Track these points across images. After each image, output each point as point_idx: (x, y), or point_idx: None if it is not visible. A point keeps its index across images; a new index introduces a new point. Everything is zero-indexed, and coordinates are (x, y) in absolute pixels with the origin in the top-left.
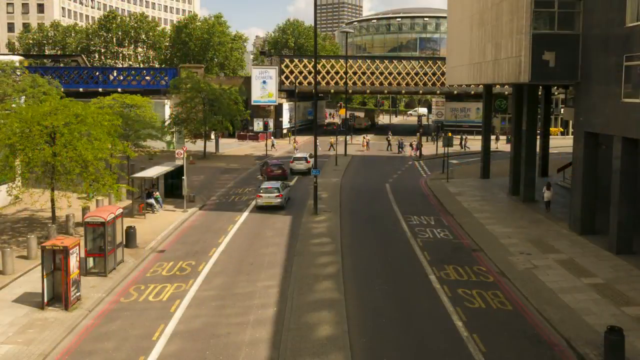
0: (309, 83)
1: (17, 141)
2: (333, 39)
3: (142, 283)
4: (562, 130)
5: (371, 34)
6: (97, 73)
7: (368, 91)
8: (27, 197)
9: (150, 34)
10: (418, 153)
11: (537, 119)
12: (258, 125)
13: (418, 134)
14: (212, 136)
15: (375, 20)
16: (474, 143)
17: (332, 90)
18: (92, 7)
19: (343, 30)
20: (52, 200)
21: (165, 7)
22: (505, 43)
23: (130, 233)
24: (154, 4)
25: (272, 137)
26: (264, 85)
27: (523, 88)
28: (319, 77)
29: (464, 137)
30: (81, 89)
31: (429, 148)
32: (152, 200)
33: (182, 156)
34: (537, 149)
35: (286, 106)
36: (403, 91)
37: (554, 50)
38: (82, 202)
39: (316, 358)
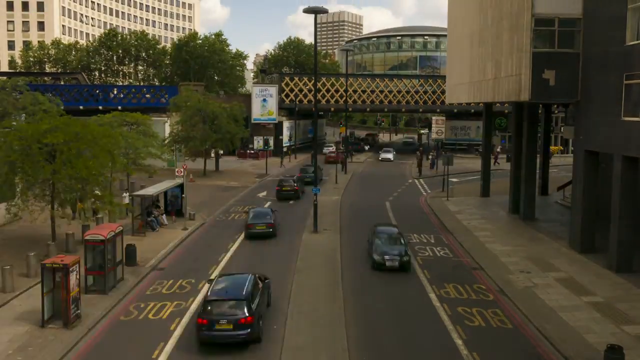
0: (309, 101)
1: (17, 159)
2: (333, 57)
3: (142, 301)
4: (561, 148)
5: (371, 52)
6: (98, 91)
7: (368, 109)
8: (26, 215)
9: (151, 52)
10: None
11: (537, 137)
12: (258, 143)
13: (418, 152)
14: (213, 154)
15: (375, 39)
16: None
17: (333, 108)
18: (92, 25)
19: (343, 48)
20: (52, 218)
21: (166, 25)
22: (505, 61)
23: (130, 251)
24: (154, 22)
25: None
26: (264, 103)
27: (523, 106)
28: (319, 95)
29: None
30: (81, 107)
31: (430, 170)
32: (151, 219)
33: (182, 174)
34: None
35: (286, 124)
36: (403, 109)
37: (554, 69)
38: (81, 219)
39: None
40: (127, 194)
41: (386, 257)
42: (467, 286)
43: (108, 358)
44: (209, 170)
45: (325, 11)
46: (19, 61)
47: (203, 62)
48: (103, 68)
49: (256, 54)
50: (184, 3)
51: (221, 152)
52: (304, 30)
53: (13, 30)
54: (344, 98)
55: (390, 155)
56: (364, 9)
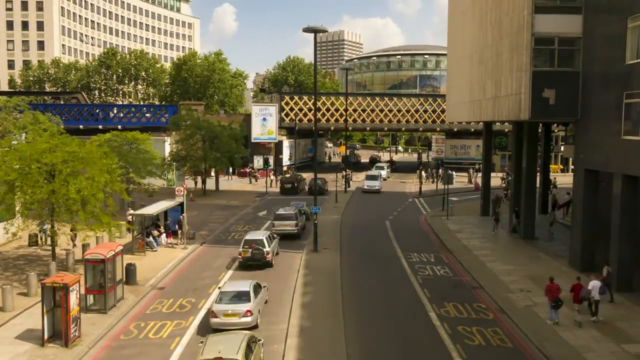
0: (309, 120)
1: (16, 178)
2: (333, 76)
3: (142, 320)
4: (562, 167)
5: (371, 71)
6: (98, 110)
7: (368, 128)
8: (26, 234)
9: (151, 71)
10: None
11: (537, 156)
12: (258, 162)
13: (418, 171)
14: (212, 173)
15: (375, 58)
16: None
17: (332, 127)
18: (92, 45)
19: (343, 67)
20: (52, 237)
21: (166, 44)
22: (505, 80)
23: (130, 270)
24: (154, 41)
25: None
26: (264, 123)
27: (523, 125)
28: (319, 114)
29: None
30: (81, 126)
31: (430, 185)
32: (150, 239)
33: (182, 193)
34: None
35: (286, 143)
36: (403, 128)
37: (554, 88)
38: (81, 238)
39: None
40: (129, 213)
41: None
42: (467, 305)
43: None
44: (209, 189)
45: (324, 30)
46: (18, 80)
47: (203, 81)
48: (103, 87)
49: (256, 73)
50: (183, 22)
51: (229, 170)
52: (303, 45)
53: (13, 50)
54: (344, 117)
55: (376, 184)
56: (370, 20)
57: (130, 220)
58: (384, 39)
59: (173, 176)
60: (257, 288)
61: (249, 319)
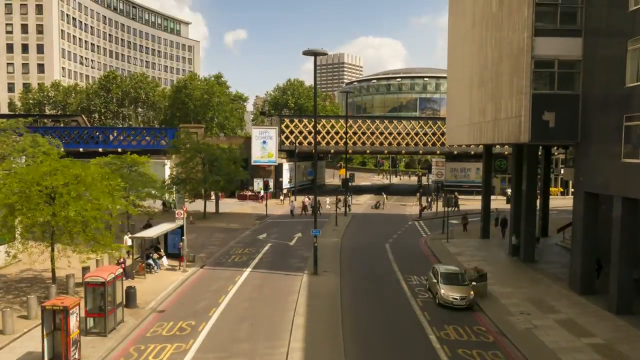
0: (309, 143)
1: (16, 201)
2: (333, 99)
3: (142, 343)
4: (562, 190)
5: (371, 94)
6: (97, 133)
7: (368, 151)
8: (26, 257)
9: (150, 94)
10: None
11: (537, 179)
12: (258, 185)
13: (418, 194)
14: (212, 196)
15: (375, 81)
16: (474, 203)
17: (332, 150)
18: (92, 68)
19: (343, 90)
20: (52, 260)
21: (166, 67)
22: (505, 103)
23: (130, 293)
24: (154, 64)
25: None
26: (264, 145)
27: (523, 148)
28: (319, 137)
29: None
30: (81, 149)
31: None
32: (150, 261)
33: (182, 216)
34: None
35: (286, 166)
36: (403, 151)
37: (554, 111)
38: (82, 261)
39: None
40: (129, 236)
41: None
42: (467, 328)
43: None
44: (209, 212)
45: (324, 53)
46: (18, 103)
47: (202, 104)
48: (103, 110)
49: (256, 96)
50: (184, 45)
51: (222, 194)
52: (303, 67)
53: (13, 73)
54: (344, 140)
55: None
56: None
57: (130, 244)
58: (383, 61)
59: (173, 199)
60: None
61: None
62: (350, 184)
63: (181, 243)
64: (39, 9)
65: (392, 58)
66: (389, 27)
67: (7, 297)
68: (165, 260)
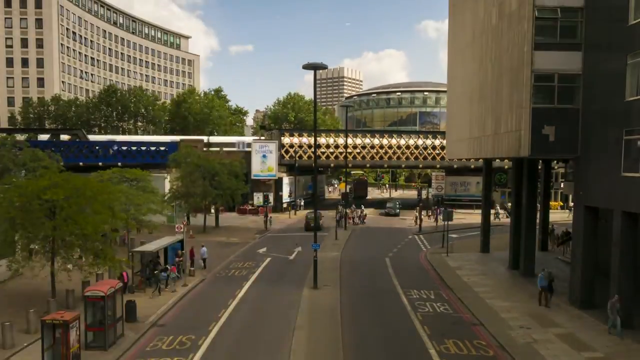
0: (309, 157)
1: (17, 215)
2: (333, 113)
3: (142, 357)
4: (562, 204)
5: (371, 108)
6: (97, 147)
7: (368, 165)
8: (27, 271)
9: (150, 108)
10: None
11: (537, 193)
12: (258, 199)
13: (418, 207)
14: (212, 210)
15: (375, 95)
16: (475, 217)
17: (332, 164)
18: (92, 82)
19: (343, 104)
20: (52, 274)
21: (165, 81)
22: (505, 117)
23: (130, 307)
24: (154, 78)
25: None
26: (264, 159)
27: (523, 162)
28: (318, 151)
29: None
30: (81, 163)
31: (430, 221)
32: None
33: (182, 230)
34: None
35: (286, 180)
36: (403, 165)
37: (554, 125)
38: (83, 277)
39: None
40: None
41: None
42: (467, 342)
43: None
44: (209, 226)
45: (324, 67)
46: (18, 117)
47: (202, 118)
48: (103, 124)
49: (256, 110)
50: (183, 59)
51: (222, 208)
52: (303, 81)
53: (13, 87)
54: (344, 154)
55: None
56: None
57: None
58: (383, 75)
59: (173, 213)
60: None
61: None
62: (350, 197)
63: (178, 259)
64: (39, 23)
65: (395, 70)
66: (391, 38)
67: (8, 311)
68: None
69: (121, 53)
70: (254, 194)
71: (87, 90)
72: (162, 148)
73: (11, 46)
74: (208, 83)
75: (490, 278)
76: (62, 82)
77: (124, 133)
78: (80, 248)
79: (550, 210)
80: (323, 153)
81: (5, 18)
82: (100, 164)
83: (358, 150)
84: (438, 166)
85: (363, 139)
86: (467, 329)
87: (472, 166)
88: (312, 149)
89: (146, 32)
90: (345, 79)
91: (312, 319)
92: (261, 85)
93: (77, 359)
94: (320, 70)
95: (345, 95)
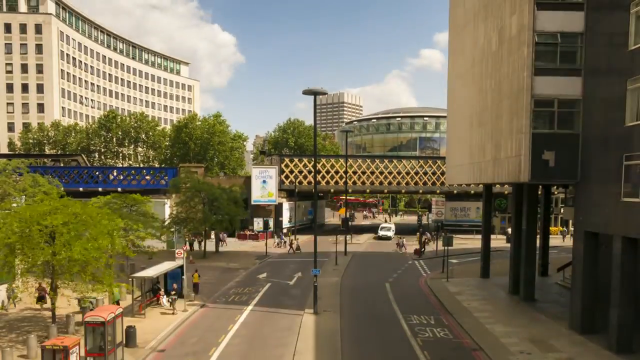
0: (309, 182)
1: (17, 241)
2: (333, 139)
3: None
4: (562, 229)
5: (371, 133)
6: (97, 173)
7: (368, 190)
8: (26, 297)
9: (150, 133)
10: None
11: (537, 218)
12: (258, 224)
13: (418, 233)
14: (212, 235)
15: (375, 120)
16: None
17: (332, 190)
18: (92, 107)
19: (343, 129)
20: (52, 299)
21: (165, 106)
22: (505, 142)
23: (130, 332)
24: (154, 103)
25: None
26: (264, 185)
27: (523, 187)
28: (319, 177)
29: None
30: (81, 189)
31: (430, 246)
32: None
33: (182, 256)
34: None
35: (286, 205)
36: (403, 190)
37: (554, 150)
38: (83, 302)
39: None
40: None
41: None
42: None
43: None
44: (209, 251)
45: (324, 93)
46: (18, 143)
47: (203, 143)
48: (103, 150)
49: (256, 135)
50: (183, 85)
51: (222, 234)
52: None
53: (13, 112)
54: (344, 179)
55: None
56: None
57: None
58: (383, 100)
59: (173, 239)
60: None
61: None
62: (350, 223)
63: (174, 285)
64: (39, 48)
65: (392, 96)
66: (392, 65)
67: (9, 336)
68: (165, 299)
69: (121, 79)
70: (254, 219)
71: (87, 116)
72: (161, 173)
73: (11, 72)
74: (205, 105)
75: (490, 303)
76: (62, 107)
77: (124, 159)
78: (80, 274)
79: (550, 236)
80: (323, 178)
81: (6, 44)
82: (100, 189)
83: (358, 176)
84: (438, 191)
85: (363, 164)
86: (468, 355)
87: (472, 191)
88: (312, 174)
89: (146, 57)
90: (345, 104)
91: (312, 345)
92: (258, 111)
93: None
94: (321, 96)
95: (346, 120)
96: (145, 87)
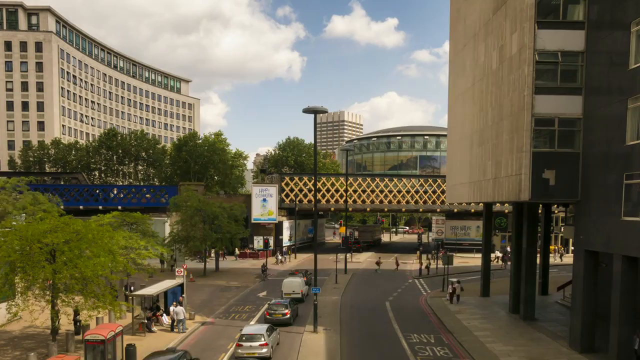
0: (309, 201)
1: (17, 259)
2: (333, 157)
3: None
4: (562, 248)
5: (371, 151)
6: (98, 191)
7: (368, 209)
8: (27, 315)
9: (151, 151)
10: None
11: (537, 237)
12: (258, 243)
13: (418, 252)
14: (212, 254)
15: (375, 139)
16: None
17: (332, 208)
18: (92, 125)
19: (343, 148)
20: (52, 318)
21: (166, 125)
22: (505, 161)
23: (130, 351)
24: (154, 122)
25: (278, 254)
26: (264, 203)
27: (523, 206)
28: (319, 195)
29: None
30: (82, 207)
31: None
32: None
33: (182, 274)
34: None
35: (286, 224)
36: (403, 209)
37: (555, 169)
38: (84, 321)
39: None
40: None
41: None
42: None
43: None
44: (209, 269)
45: (324, 111)
46: (18, 161)
47: (203, 162)
48: (103, 168)
49: (256, 154)
50: (184, 103)
51: (222, 252)
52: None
53: (13, 130)
54: (344, 198)
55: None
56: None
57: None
58: (383, 118)
59: (173, 256)
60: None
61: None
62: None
63: (175, 303)
64: (39, 66)
65: (391, 115)
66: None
67: (13, 353)
68: (165, 318)
69: (121, 97)
70: (254, 237)
71: (87, 134)
72: (162, 192)
73: (11, 89)
74: (206, 124)
75: (490, 322)
76: (63, 125)
77: (124, 177)
78: (80, 291)
79: (550, 255)
80: (323, 197)
81: (6, 61)
82: (100, 207)
83: (358, 194)
84: (438, 210)
85: (363, 183)
86: None
87: (473, 210)
88: (313, 193)
89: (146, 75)
90: (345, 123)
91: None
92: (260, 129)
93: None
94: (321, 114)
95: (346, 138)
96: (146, 105)
